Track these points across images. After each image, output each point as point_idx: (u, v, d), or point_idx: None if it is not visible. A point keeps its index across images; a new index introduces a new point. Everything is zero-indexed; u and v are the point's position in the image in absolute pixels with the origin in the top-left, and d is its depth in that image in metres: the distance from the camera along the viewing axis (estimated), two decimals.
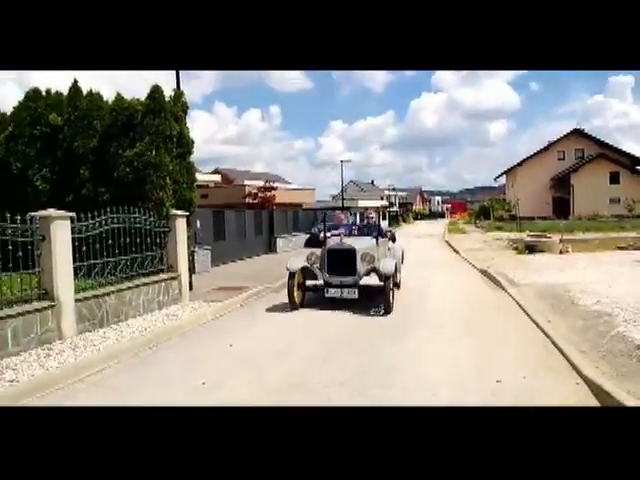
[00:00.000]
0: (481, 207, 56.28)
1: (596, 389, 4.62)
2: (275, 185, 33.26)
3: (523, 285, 10.55)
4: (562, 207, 42.86)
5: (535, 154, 47.84)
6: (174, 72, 11.60)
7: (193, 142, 10.88)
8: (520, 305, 8.86)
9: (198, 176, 13.21)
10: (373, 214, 11.75)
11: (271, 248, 22.60)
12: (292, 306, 9.05)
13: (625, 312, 6.99)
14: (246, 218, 20.26)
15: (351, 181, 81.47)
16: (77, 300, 7.22)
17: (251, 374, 5.57)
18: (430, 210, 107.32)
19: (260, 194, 29.86)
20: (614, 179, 42.29)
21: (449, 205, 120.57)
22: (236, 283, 12.25)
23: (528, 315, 8.05)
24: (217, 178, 28.33)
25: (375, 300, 8.96)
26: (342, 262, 9.10)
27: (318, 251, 9.75)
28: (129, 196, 9.34)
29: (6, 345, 6.02)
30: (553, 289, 9.63)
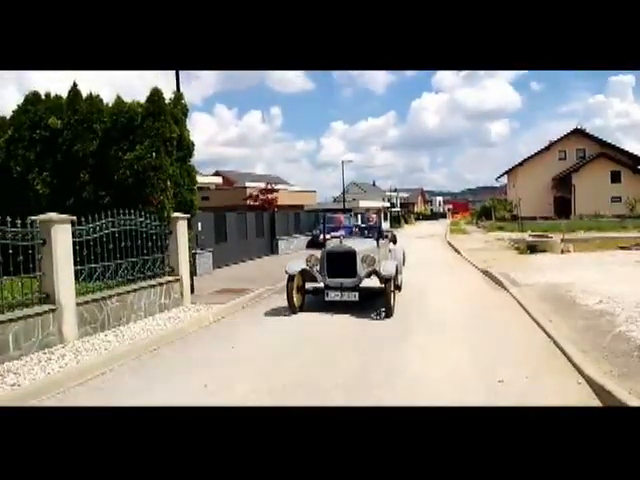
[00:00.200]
0: (483, 207, 56.26)
1: (598, 388, 4.61)
2: (276, 187, 33.27)
3: (525, 285, 10.53)
4: (563, 207, 42.82)
5: (536, 154, 47.82)
6: (174, 75, 11.63)
7: (193, 144, 10.89)
8: (522, 305, 8.83)
9: (199, 178, 13.24)
10: (373, 215, 11.71)
11: (273, 250, 22.61)
12: (291, 310, 8.93)
13: (627, 311, 6.98)
14: (247, 220, 20.26)
15: (352, 182, 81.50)
16: (78, 304, 7.22)
17: (253, 376, 5.57)
18: (432, 211, 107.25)
19: (261, 196, 29.86)
20: (615, 178, 42.25)
21: (451, 205, 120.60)
22: (238, 285, 12.25)
23: (530, 315, 8.04)
24: (218, 180, 28.35)
25: (376, 303, 8.87)
26: (342, 264, 8.94)
27: (317, 253, 9.60)
28: (130, 199, 9.35)
29: (7, 349, 6.02)
30: (555, 289, 9.62)
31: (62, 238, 7.02)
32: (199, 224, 15.04)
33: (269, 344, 7.04)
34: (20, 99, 10.88)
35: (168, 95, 10.37)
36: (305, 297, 9.41)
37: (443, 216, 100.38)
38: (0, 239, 6.15)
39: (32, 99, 10.62)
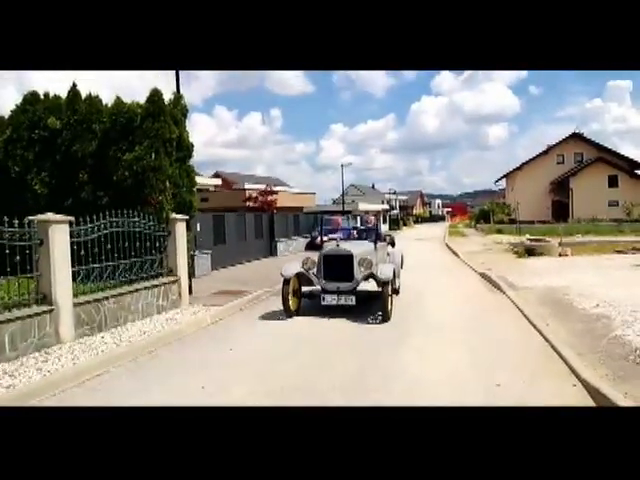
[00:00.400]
0: (481, 211, 56.29)
1: (593, 392, 4.62)
2: (276, 189, 33.27)
3: (522, 288, 10.55)
4: (561, 211, 42.88)
5: (535, 158, 47.92)
6: (174, 76, 11.64)
7: (193, 145, 10.90)
8: (519, 308, 8.84)
9: (198, 179, 13.23)
10: (372, 218, 11.66)
11: (272, 252, 22.60)
12: (287, 314, 8.79)
13: (623, 315, 7.00)
14: (246, 222, 20.25)
15: (352, 185, 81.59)
16: (75, 304, 7.21)
17: (251, 378, 5.56)
18: (430, 213, 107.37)
19: (261, 198, 29.86)
20: (613, 183, 42.32)
21: (449, 208, 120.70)
22: (236, 287, 12.24)
23: (527, 318, 8.04)
24: (217, 182, 28.36)
25: (373, 307, 8.78)
26: (339, 267, 8.78)
27: (314, 256, 9.45)
28: (128, 200, 9.35)
29: (4, 350, 6.01)
30: (552, 292, 9.64)
31: (60, 238, 7.01)
32: (198, 225, 15.04)
33: (267, 346, 7.04)
34: (19, 99, 10.88)
35: (168, 96, 10.39)
36: (301, 301, 9.25)
37: (442, 219, 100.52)
38: None
39: (31, 99, 10.62)
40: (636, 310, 7.20)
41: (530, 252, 17.82)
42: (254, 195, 30.19)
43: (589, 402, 4.57)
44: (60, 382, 5.41)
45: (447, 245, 27.06)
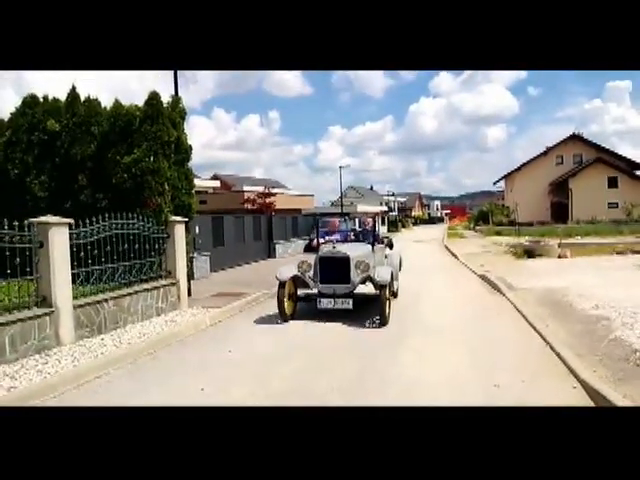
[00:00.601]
0: (480, 212, 56.35)
1: (593, 393, 4.63)
2: (274, 191, 33.26)
3: (521, 290, 10.55)
4: (561, 212, 42.90)
5: (534, 159, 47.97)
6: (172, 79, 11.66)
7: (191, 148, 10.91)
8: (519, 310, 8.85)
9: (197, 182, 13.26)
10: (369, 219, 11.58)
11: (270, 254, 22.61)
12: (282, 318, 8.60)
13: (623, 316, 7.00)
14: (245, 224, 20.26)
15: (350, 186, 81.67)
16: (75, 306, 7.21)
17: (250, 380, 5.57)
18: (429, 215, 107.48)
19: (259, 200, 29.86)
20: (612, 183, 42.38)
21: (448, 210, 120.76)
22: (235, 289, 12.24)
23: (527, 320, 8.05)
24: (216, 184, 28.38)
25: (370, 310, 8.61)
26: (335, 270, 8.59)
27: (310, 259, 9.29)
28: (127, 202, 9.35)
29: (4, 352, 6.01)
30: (552, 293, 9.64)
31: (59, 241, 7.02)
32: (196, 227, 15.04)
33: (266, 348, 7.03)
34: (17, 101, 10.91)
35: (166, 99, 10.40)
36: (297, 304, 9.09)
37: (441, 220, 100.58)
38: None
39: (30, 102, 10.62)
40: (636, 312, 7.20)
41: (529, 253, 17.83)
42: (252, 197, 30.19)
43: (589, 403, 4.57)
44: (60, 384, 5.40)
45: (446, 247, 27.06)
